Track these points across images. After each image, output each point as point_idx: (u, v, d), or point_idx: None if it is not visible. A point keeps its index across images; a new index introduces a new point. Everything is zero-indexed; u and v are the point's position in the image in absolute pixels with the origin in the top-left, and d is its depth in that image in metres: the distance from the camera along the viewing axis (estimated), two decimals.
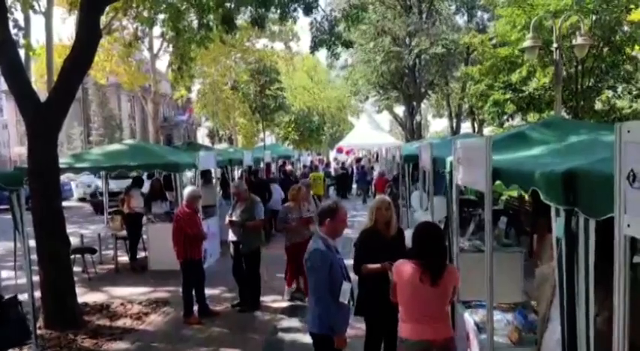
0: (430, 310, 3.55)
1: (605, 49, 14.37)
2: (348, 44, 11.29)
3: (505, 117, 17.76)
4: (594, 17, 13.53)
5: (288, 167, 21.20)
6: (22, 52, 10.30)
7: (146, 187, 11.37)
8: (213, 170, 12.12)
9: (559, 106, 11.59)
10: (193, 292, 7.12)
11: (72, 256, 7.84)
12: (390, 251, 4.52)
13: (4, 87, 38.87)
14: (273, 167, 19.25)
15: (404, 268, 3.64)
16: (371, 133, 32.60)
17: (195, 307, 7.14)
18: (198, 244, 7.08)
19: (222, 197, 12.37)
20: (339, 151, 35.20)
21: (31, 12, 13.79)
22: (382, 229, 4.75)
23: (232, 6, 9.31)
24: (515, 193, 12.11)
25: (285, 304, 7.65)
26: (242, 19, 11.14)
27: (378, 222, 4.75)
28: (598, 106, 15.74)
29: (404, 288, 3.62)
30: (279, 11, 9.72)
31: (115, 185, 17.44)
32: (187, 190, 7.22)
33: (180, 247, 6.89)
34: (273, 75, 27.80)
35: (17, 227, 5.71)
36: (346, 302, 4.00)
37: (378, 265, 4.51)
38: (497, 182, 3.76)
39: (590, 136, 4.18)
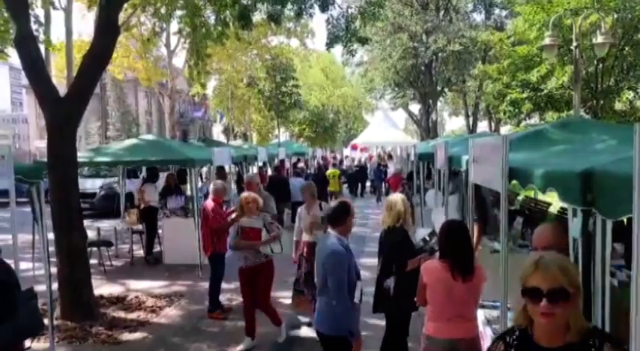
0: (462, 308, 3.58)
1: (627, 48, 14.15)
2: (364, 41, 11.26)
3: (522, 116, 17.59)
4: (615, 15, 13.31)
5: (301, 164, 21.32)
6: (42, 48, 10.44)
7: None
8: (227, 166, 12.22)
9: (578, 106, 11.45)
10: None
11: (88, 249, 7.94)
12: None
13: (25, 82, 39.46)
14: (287, 164, 19.32)
15: (434, 268, 3.66)
16: (386, 130, 32.44)
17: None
18: (224, 237, 7.14)
19: (238, 194, 12.46)
20: (354, 148, 35.13)
21: (51, 8, 13.99)
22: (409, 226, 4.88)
23: (249, 2, 9.35)
24: (532, 194, 12.02)
25: None
26: (258, 15, 11.17)
27: (408, 220, 4.84)
28: (618, 106, 15.50)
29: (435, 287, 3.63)
30: (295, 7, 9.74)
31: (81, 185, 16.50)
32: (213, 184, 7.40)
33: (207, 241, 7.00)
34: (288, 72, 27.88)
35: (36, 219, 5.81)
36: (358, 302, 4.03)
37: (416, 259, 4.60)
38: (514, 182, 3.73)
39: (609, 137, 4.13)
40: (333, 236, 4.02)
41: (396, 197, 4.97)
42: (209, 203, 7.07)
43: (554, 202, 9.97)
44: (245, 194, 6.23)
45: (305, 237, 6.53)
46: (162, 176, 11.92)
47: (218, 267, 7.07)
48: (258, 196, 6.23)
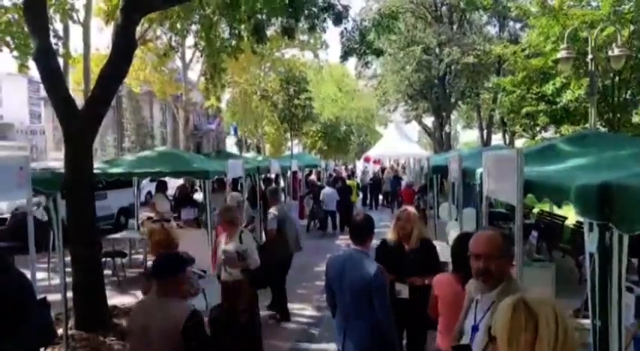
0: None
1: None
2: (379, 52, 11.30)
3: (538, 129, 17.47)
4: (632, 27, 13.21)
5: (312, 177, 21.39)
6: (60, 61, 10.64)
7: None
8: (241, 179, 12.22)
9: (593, 119, 11.34)
10: None
11: (103, 259, 7.99)
12: (405, 264, 4.52)
13: (43, 94, 40.06)
14: (300, 176, 19.39)
15: (445, 281, 3.62)
16: (399, 143, 32.47)
17: None
18: None
19: (250, 207, 12.43)
20: (367, 160, 35.16)
21: (70, 22, 14.26)
22: (399, 242, 4.67)
23: (263, 17, 9.44)
24: (547, 207, 11.90)
25: (311, 313, 7.65)
26: (272, 29, 11.30)
27: (396, 234, 4.71)
28: (635, 118, 15.33)
29: (447, 301, 3.59)
30: (308, 21, 9.82)
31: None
32: (229, 197, 7.41)
33: None
34: (302, 84, 28.04)
35: (53, 230, 5.88)
36: None
37: None
38: (529, 195, 3.70)
39: (626, 150, 4.09)
40: (363, 253, 3.79)
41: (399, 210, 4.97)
42: None
43: (570, 215, 9.88)
44: (154, 227, 4.94)
45: (223, 274, 5.49)
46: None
47: None
48: (172, 232, 4.81)
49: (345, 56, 11.00)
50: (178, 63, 24.76)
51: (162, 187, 11.08)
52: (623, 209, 2.29)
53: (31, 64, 9.86)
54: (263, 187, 13.10)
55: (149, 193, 20.95)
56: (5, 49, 10.39)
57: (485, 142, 31.40)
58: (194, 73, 26.62)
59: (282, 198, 13.69)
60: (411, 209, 4.90)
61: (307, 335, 6.77)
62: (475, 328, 2.57)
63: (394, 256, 4.59)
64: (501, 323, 1.65)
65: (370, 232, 3.88)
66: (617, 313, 2.34)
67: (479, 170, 5.25)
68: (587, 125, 13.28)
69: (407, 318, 4.47)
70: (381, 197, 23.99)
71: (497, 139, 33.34)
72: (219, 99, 20.41)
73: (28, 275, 4.69)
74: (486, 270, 2.55)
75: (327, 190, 15.71)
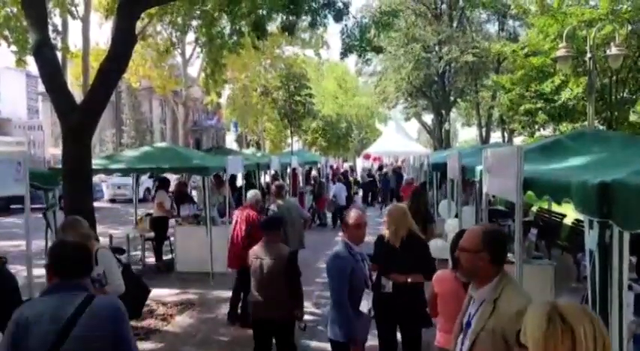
0: None
1: None
2: (378, 50, 11.29)
3: (536, 127, 17.50)
4: (630, 27, 13.23)
5: (313, 173, 21.37)
6: (59, 55, 10.60)
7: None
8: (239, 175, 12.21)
9: (592, 117, 11.36)
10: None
11: None
12: (397, 260, 4.52)
13: (41, 89, 39.99)
14: (300, 173, 19.36)
15: (446, 278, 3.61)
16: (398, 140, 32.41)
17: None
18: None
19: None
20: (366, 158, 35.11)
21: (69, 17, 14.23)
22: (391, 237, 4.65)
23: (264, 12, 9.42)
24: (545, 205, 11.90)
25: (312, 310, 7.64)
26: (273, 25, 11.26)
27: (389, 230, 4.71)
28: (632, 117, 15.36)
29: (446, 298, 3.58)
30: (309, 18, 9.80)
31: None
32: (251, 194, 7.34)
33: (242, 252, 6.10)
34: (302, 81, 28.01)
35: (50, 226, 5.86)
36: (366, 311, 3.97)
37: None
38: (529, 192, 3.70)
39: (625, 148, 4.09)
40: (341, 241, 4.13)
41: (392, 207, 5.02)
42: (253, 213, 7.01)
43: (568, 213, 9.89)
44: None
45: None
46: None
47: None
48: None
49: (344, 53, 10.98)
50: (178, 59, 24.72)
51: (163, 184, 11.06)
52: (623, 207, 2.29)
53: (30, 58, 9.86)
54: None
55: (147, 189, 20.93)
56: (3, 43, 10.37)
57: (484, 140, 31.42)
58: (194, 69, 26.59)
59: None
60: (401, 206, 4.90)
61: (308, 332, 6.75)
62: (468, 324, 2.57)
63: (388, 252, 4.61)
64: (535, 334, 1.61)
65: (342, 221, 4.23)
66: (618, 310, 2.34)
67: (479, 167, 5.25)
68: (585, 123, 13.30)
69: (401, 317, 4.47)
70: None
71: (496, 136, 33.38)
72: (219, 95, 20.36)
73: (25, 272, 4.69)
74: (458, 261, 2.58)
75: (337, 186, 16.57)
